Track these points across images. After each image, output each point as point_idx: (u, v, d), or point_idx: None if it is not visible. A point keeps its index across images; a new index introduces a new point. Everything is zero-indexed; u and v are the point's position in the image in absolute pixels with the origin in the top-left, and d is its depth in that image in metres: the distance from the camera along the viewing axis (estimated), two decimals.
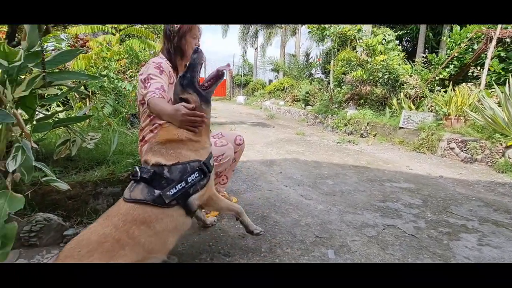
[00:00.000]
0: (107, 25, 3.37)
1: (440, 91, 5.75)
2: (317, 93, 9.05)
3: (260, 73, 22.54)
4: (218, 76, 1.23)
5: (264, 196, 2.27)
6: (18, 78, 1.58)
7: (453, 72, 6.20)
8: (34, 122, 1.73)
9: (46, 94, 1.98)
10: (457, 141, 4.03)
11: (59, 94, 1.96)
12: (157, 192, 1.01)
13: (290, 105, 10.61)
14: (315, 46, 16.63)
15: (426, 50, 9.15)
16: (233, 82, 22.84)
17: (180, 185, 1.04)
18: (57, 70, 1.89)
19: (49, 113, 2.23)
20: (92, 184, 1.63)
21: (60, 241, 1.44)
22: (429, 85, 6.09)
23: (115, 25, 3.70)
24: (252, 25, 20.13)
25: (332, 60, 8.18)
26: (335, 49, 8.19)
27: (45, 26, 1.76)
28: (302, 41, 18.17)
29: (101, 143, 2.11)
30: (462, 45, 5.86)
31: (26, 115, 1.70)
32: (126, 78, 3.60)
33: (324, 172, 3.04)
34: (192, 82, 1.17)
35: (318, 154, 3.91)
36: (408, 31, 9.61)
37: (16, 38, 1.89)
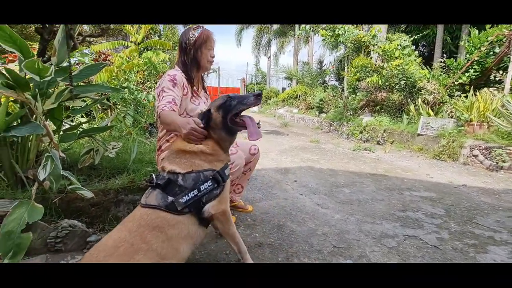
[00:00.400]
0: (128, 41, 3.54)
1: (460, 96, 5.55)
2: (331, 100, 8.98)
3: (273, 81, 22.70)
4: (249, 123, 1.21)
5: (280, 205, 2.26)
6: (48, 91, 1.68)
7: (474, 76, 5.99)
8: (61, 133, 1.83)
9: (71, 106, 2.10)
10: (480, 148, 3.85)
11: (83, 106, 2.06)
12: (170, 198, 1.03)
13: (303, 113, 10.57)
14: (328, 53, 16.60)
15: (444, 55, 8.91)
16: (246, 91, 23.14)
17: (193, 193, 1.06)
18: (82, 84, 2.00)
19: (74, 124, 2.35)
20: (113, 192, 1.68)
21: (84, 247, 1.49)
22: (448, 91, 5.91)
23: (134, 39, 3.88)
24: (265, 34, 20.42)
25: (346, 67, 8.12)
26: (349, 56, 8.14)
27: (73, 43, 1.87)
28: (315, 48, 18.22)
29: (122, 152, 2.19)
30: (483, 48, 5.66)
31: (54, 126, 1.80)
32: (145, 89, 3.74)
33: (340, 181, 2.99)
34: (229, 110, 1.17)
35: (333, 162, 3.85)
36: (424, 36, 9.42)
37: (46, 54, 2.02)
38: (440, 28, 8.12)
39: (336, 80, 13.12)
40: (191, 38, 1.56)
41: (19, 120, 1.54)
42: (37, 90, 1.59)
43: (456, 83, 6.01)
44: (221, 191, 1.15)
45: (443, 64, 6.94)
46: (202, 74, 1.70)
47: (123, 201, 1.71)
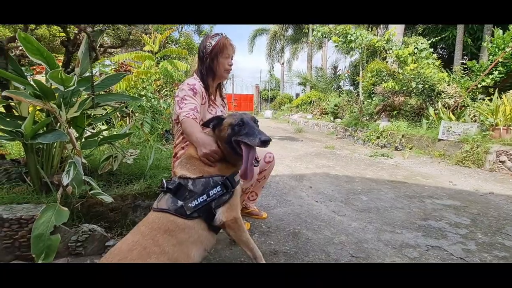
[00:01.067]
0: (145, 51, 3.67)
1: (484, 99, 5.30)
2: (346, 106, 8.85)
3: (287, 87, 22.75)
4: (246, 158, 1.14)
5: (295, 212, 2.22)
6: (71, 100, 1.76)
7: (498, 78, 5.71)
8: (83, 140, 1.90)
9: (92, 114, 2.19)
10: (508, 153, 3.64)
11: (104, 114, 2.14)
12: (180, 203, 1.05)
13: (318, 118, 10.47)
14: (342, 58, 16.46)
15: (465, 57, 8.59)
16: (260, 97, 23.27)
17: (202, 198, 1.07)
18: (103, 93, 2.08)
19: (95, 131, 2.45)
20: (131, 197, 1.72)
21: (102, 251, 1.52)
22: (470, 94, 5.66)
23: (151, 49, 4.01)
24: (279, 41, 20.56)
25: (361, 72, 8.00)
26: (364, 61, 8.03)
27: (95, 54, 1.96)
28: (329, 54, 18.11)
29: (139, 158, 2.24)
30: (507, 49, 5.41)
31: (77, 134, 1.88)
32: (162, 97, 3.84)
33: (357, 187, 2.91)
34: (235, 134, 1.15)
35: (349, 168, 3.77)
36: (443, 38, 9.13)
37: (70, 65, 2.13)
38: (460, 29, 7.85)
39: (351, 85, 12.94)
40: (207, 47, 1.55)
41: (44, 128, 1.62)
42: (61, 99, 1.67)
43: (479, 86, 5.76)
44: (230, 197, 1.14)
45: (464, 66, 6.68)
46: (218, 86, 1.71)
47: (140, 206, 1.74)
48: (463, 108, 5.35)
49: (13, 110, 1.80)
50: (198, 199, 1.06)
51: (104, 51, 2.28)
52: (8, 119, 1.60)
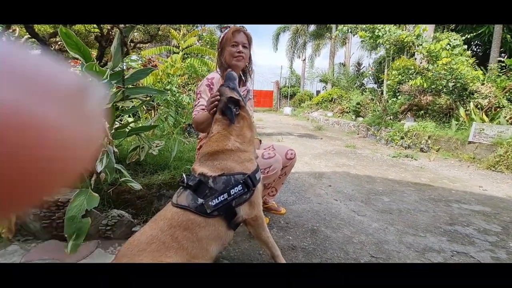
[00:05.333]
0: (172, 46, 3.78)
1: None
2: (369, 104, 8.59)
3: (307, 84, 22.40)
4: (246, 96, 1.29)
5: (314, 209, 2.22)
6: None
7: None
8: (113, 131, 2.01)
9: (121, 106, 2.30)
10: None
11: (131, 107, 2.24)
12: (200, 200, 1.03)
13: (339, 117, 10.25)
14: (366, 55, 15.93)
15: (503, 55, 8.01)
16: (280, 94, 23.08)
17: (223, 197, 1.04)
18: (131, 86, 2.18)
19: (123, 123, 2.57)
20: (156, 187, 1.80)
21: (129, 235, 1.60)
22: (507, 94, 5.29)
23: (178, 44, 4.12)
24: (301, 37, 20.25)
25: (386, 69, 7.71)
26: (390, 58, 7.72)
27: (126, 49, 2.06)
28: (353, 50, 17.56)
29: (164, 150, 2.33)
30: None
31: (108, 125, 1.99)
32: (185, 91, 3.94)
33: (378, 188, 2.84)
34: (235, 88, 1.23)
35: (371, 168, 3.67)
36: (479, 34, 8.56)
37: (103, 60, 2.24)
38: (498, 25, 7.32)
39: (375, 83, 12.50)
40: (220, 39, 1.64)
41: None
42: None
43: None
44: (251, 195, 1.12)
45: (502, 65, 6.24)
46: (242, 74, 1.74)
47: (164, 195, 1.82)
48: (498, 110, 5.02)
49: None
50: (219, 197, 1.04)
51: (134, 46, 2.38)
52: None
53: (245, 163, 1.15)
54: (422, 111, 6.25)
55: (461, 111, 5.25)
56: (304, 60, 22.01)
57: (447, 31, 9.01)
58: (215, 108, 1.21)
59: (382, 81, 8.24)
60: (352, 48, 17.26)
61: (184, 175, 1.10)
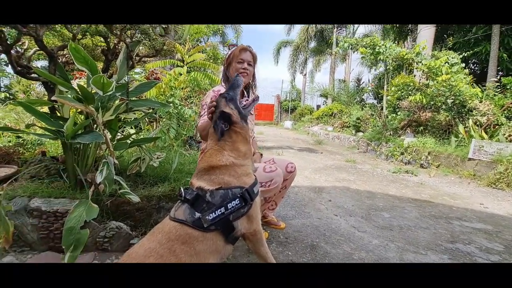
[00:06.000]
0: (177, 60, 3.88)
1: None
2: (369, 119, 8.66)
3: (308, 98, 22.68)
4: (254, 99, 1.30)
5: (313, 224, 2.20)
6: (108, 104, 1.90)
7: None
8: (115, 142, 2.03)
9: (123, 118, 2.33)
10: None
11: (134, 118, 2.27)
12: (197, 215, 1.02)
13: (339, 131, 10.31)
14: (366, 71, 16.24)
15: (500, 73, 8.15)
16: (280, 107, 23.34)
17: (220, 211, 1.03)
18: (135, 99, 2.22)
19: (125, 134, 2.59)
20: (156, 199, 1.80)
21: (127, 248, 1.58)
22: (505, 112, 5.35)
23: (182, 57, 4.22)
24: (302, 53, 20.69)
25: (385, 85, 7.83)
26: (389, 74, 7.86)
27: (131, 62, 2.11)
28: (353, 66, 17.91)
29: (164, 162, 2.34)
30: None
31: (110, 136, 2.01)
32: (187, 104, 4.00)
33: (378, 204, 2.82)
34: (233, 99, 1.22)
35: (371, 184, 3.66)
36: (476, 53, 8.75)
37: (108, 72, 2.30)
38: (494, 44, 7.50)
39: (375, 99, 12.66)
40: (227, 55, 1.71)
41: (83, 129, 1.75)
42: (99, 103, 1.81)
43: None
44: (249, 209, 1.11)
45: (498, 84, 6.35)
46: (244, 89, 1.78)
47: (164, 208, 1.81)
48: (496, 127, 5.06)
49: (56, 111, 1.97)
50: (216, 211, 1.03)
51: (139, 59, 2.44)
52: (52, 120, 1.75)
53: (242, 177, 1.14)
54: (421, 127, 6.29)
55: (460, 127, 5.29)
56: (305, 75, 22.41)
57: (445, 49, 9.22)
58: (211, 115, 1.24)
59: (382, 96, 8.35)
60: (352, 64, 17.63)
61: (182, 189, 1.10)
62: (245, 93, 1.80)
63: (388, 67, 7.40)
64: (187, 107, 3.76)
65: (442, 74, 5.75)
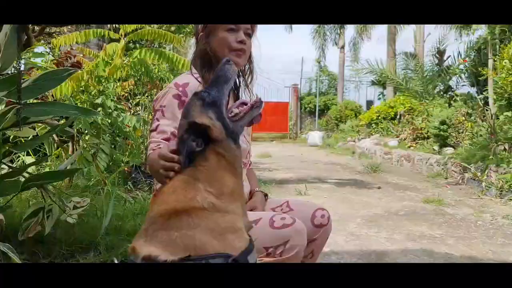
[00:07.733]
0: (108, 30, 3.98)
1: None
2: (464, 123, 8.73)
3: (350, 89, 22.90)
4: (253, 105, 1.27)
5: None
6: None
7: None
8: None
9: (12, 136, 2.36)
10: None
11: (32, 137, 2.30)
12: None
13: (409, 147, 10.36)
14: (452, 36, 16.49)
15: None
16: (300, 108, 23.31)
17: None
18: (35, 101, 2.26)
19: (16, 166, 2.62)
20: None
21: None
22: None
23: (118, 26, 4.33)
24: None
25: (490, 60, 7.97)
26: (497, 39, 8.02)
27: (26, 37, 2.16)
28: (429, 29, 18.22)
29: (89, 214, 2.35)
30: None
31: None
32: (130, 108, 4.06)
33: None
34: (216, 103, 1.22)
35: (475, 243, 3.64)
36: None
37: None
38: None
39: (472, 85, 12.81)
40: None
41: None
42: None
43: None
44: None
45: None
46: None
47: None
48: None
49: None
50: None
51: (41, 31, 2.51)
52: None
53: (227, 234, 1.12)
54: None
55: None
56: (343, 47, 22.75)
57: None
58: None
59: (485, 80, 8.45)
60: (426, 26, 17.98)
61: (115, 260, 1.10)
62: (237, 85, 1.81)
63: (490, 30, 7.55)
64: (128, 113, 3.81)
65: None
